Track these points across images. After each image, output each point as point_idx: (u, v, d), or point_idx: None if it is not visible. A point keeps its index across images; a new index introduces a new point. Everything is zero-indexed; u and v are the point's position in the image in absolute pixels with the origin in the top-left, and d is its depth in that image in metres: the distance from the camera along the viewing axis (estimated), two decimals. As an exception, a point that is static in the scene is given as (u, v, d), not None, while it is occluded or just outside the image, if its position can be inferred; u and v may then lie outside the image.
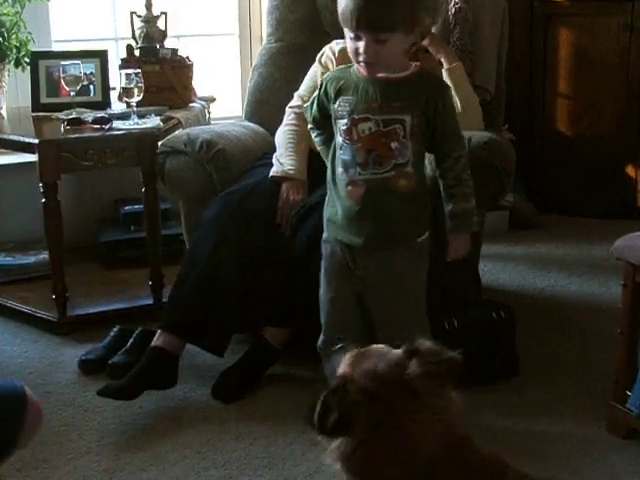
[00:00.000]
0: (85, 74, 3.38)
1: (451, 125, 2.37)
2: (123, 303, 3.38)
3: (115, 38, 4.10)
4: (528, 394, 2.80)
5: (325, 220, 2.45)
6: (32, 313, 3.32)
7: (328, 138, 2.43)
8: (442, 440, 1.60)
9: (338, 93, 2.35)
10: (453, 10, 3.31)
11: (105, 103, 3.55)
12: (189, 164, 3.03)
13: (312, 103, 2.46)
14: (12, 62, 3.61)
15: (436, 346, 1.65)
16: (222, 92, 4.20)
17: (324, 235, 2.47)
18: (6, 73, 3.63)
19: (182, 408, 2.75)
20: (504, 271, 3.89)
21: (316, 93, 2.44)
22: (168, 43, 3.72)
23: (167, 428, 2.63)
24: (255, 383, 2.84)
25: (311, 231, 2.69)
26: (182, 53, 3.69)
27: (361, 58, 2.28)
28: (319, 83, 2.47)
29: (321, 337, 2.52)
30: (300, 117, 2.90)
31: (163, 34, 3.69)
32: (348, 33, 2.29)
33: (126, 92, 3.23)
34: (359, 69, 2.33)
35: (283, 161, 2.88)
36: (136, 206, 3.70)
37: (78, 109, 3.33)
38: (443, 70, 3.05)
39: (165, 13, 3.70)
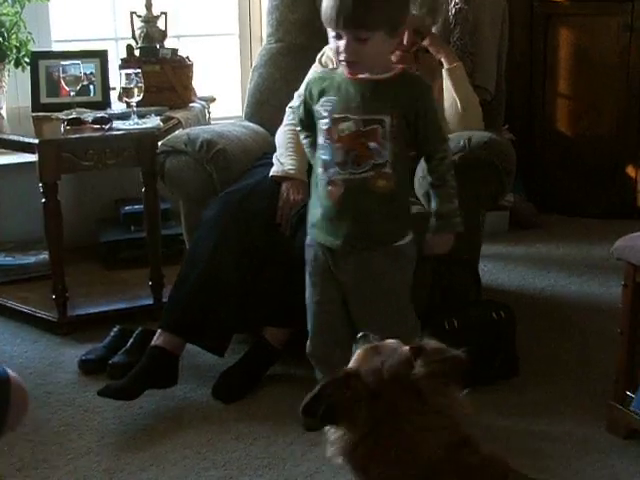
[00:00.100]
0: (85, 74, 3.38)
1: (434, 127, 2.37)
2: (123, 303, 3.38)
3: (115, 38, 4.10)
4: (528, 394, 2.80)
5: (308, 224, 2.46)
6: (32, 313, 3.32)
7: (315, 140, 2.44)
8: (444, 441, 1.60)
9: (321, 94, 2.38)
10: (453, 10, 3.31)
11: (105, 103, 3.55)
12: (189, 164, 3.03)
13: (299, 105, 2.48)
14: (12, 62, 3.61)
15: (441, 345, 1.65)
16: (222, 92, 4.20)
17: (307, 239, 2.48)
18: (6, 73, 3.63)
19: (182, 408, 2.75)
20: (504, 271, 3.89)
21: (303, 95, 2.46)
22: (168, 43, 3.71)
23: (167, 428, 2.63)
24: (255, 383, 2.84)
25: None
26: (182, 53, 3.68)
27: (342, 57, 2.30)
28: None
29: (308, 342, 2.54)
30: (300, 117, 2.91)
31: (163, 34, 3.69)
32: (331, 32, 2.31)
33: (126, 92, 3.23)
34: (343, 71, 2.35)
35: (283, 161, 2.88)
36: (136, 206, 3.70)
37: (78, 109, 3.33)
38: (443, 70, 3.06)
39: (165, 13, 3.70)
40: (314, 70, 3.01)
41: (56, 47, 3.92)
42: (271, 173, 2.89)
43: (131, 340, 2.97)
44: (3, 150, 3.55)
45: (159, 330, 2.76)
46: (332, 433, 1.65)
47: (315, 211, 2.42)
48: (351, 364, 1.68)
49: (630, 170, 4.54)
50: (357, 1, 2.22)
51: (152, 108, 3.42)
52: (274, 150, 2.98)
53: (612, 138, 4.54)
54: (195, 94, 3.75)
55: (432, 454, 1.58)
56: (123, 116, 3.31)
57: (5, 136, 3.32)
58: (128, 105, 3.26)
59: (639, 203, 4.53)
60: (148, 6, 3.66)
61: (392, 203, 2.36)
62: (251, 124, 3.44)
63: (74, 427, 2.64)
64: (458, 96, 3.03)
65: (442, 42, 3.15)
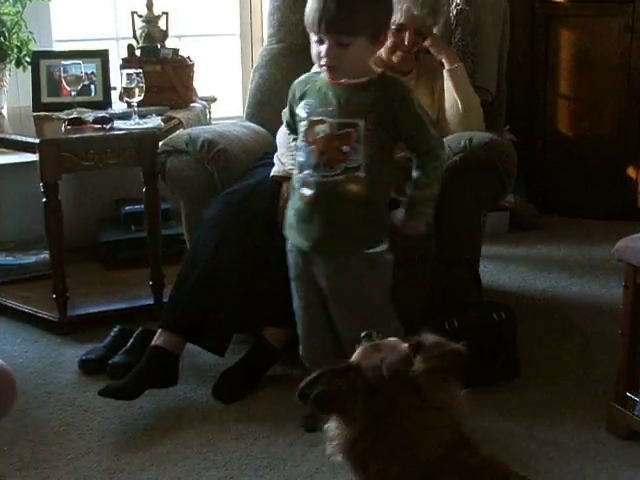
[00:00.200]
0: (86, 74, 3.38)
1: (417, 126, 2.38)
2: (123, 303, 3.38)
3: (116, 38, 4.10)
4: (529, 395, 2.80)
5: (285, 224, 2.50)
6: (33, 313, 3.32)
7: None
8: (445, 439, 1.60)
9: (302, 96, 2.42)
10: (455, 11, 3.32)
11: (106, 103, 3.55)
12: (190, 164, 3.03)
13: (287, 108, 2.51)
14: (13, 62, 3.61)
15: (440, 339, 1.65)
16: (223, 92, 4.20)
17: (288, 244, 2.51)
18: (7, 73, 3.63)
19: (182, 408, 2.74)
20: (505, 272, 3.89)
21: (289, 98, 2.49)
22: (169, 43, 3.71)
23: (168, 428, 2.63)
24: (256, 383, 2.84)
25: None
26: (183, 53, 3.68)
27: (323, 62, 2.32)
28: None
29: (300, 346, 2.57)
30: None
31: (164, 34, 3.69)
32: (313, 37, 2.33)
33: (127, 92, 3.22)
34: (324, 75, 2.37)
35: (284, 161, 2.88)
36: (137, 206, 3.70)
37: (79, 109, 3.33)
38: (444, 71, 3.06)
39: (166, 13, 3.70)
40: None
41: (57, 47, 3.92)
42: (272, 173, 2.89)
43: (131, 340, 2.97)
44: (4, 150, 3.55)
45: (159, 330, 2.76)
46: (331, 429, 1.65)
47: (290, 212, 2.46)
48: (353, 359, 1.69)
49: (631, 171, 4.54)
50: (340, 6, 2.25)
51: (153, 108, 3.42)
52: (275, 150, 2.98)
53: (613, 139, 4.54)
54: (196, 94, 3.74)
55: (432, 452, 1.58)
56: (124, 116, 3.31)
57: (6, 136, 3.32)
58: (129, 105, 3.26)
59: (640, 204, 4.54)
60: (149, 6, 3.66)
61: (366, 207, 2.38)
62: (252, 124, 3.44)
63: (74, 427, 2.64)
64: (459, 97, 3.03)
65: (443, 43, 3.15)
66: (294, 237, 2.46)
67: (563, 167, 4.68)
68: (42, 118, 3.49)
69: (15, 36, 3.57)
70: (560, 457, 2.46)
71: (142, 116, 3.29)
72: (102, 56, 3.57)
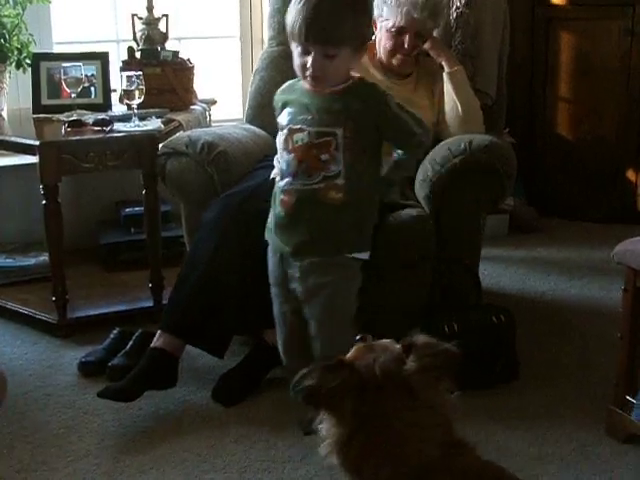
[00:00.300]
0: (86, 76, 3.38)
1: (398, 127, 2.41)
2: (123, 305, 3.38)
3: (116, 40, 4.10)
4: (528, 397, 2.80)
5: (267, 228, 2.51)
6: (32, 315, 3.32)
7: None
8: (437, 440, 1.60)
9: (284, 105, 2.45)
10: (455, 14, 3.32)
11: (106, 105, 3.55)
12: (190, 166, 3.02)
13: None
14: (13, 64, 3.61)
15: (431, 339, 1.66)
16: (223, 95, 4.20)
17: (269, 249, 2.53)
18: (7, 75, 3.63)
19: (182, 411, 2.74)
20: (504, 275, 3.89)
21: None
22: (169, 45, 3.72)
23: (167, 431, 2.63)
24: (256, 386, 2.84)
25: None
26: (183, 55, 3.68)
27: (308, 73, 2.34)
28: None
29: (282, 355, 2.60)
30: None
31: (164, 36, 3.69)
32: (296, 48, 2.34)
33: (127, 94, 3.23)
34: (305, 85, 2.39)
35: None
36: (136, 208, 3.70)
37: (79, 111, 3.33)
38: (444, 74, 3.06)
39: (166, 15, 3.70)
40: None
41: (57, 49, 3.92)
42: (272, 175, 2.88)
43: (131, 342, 2.97)
44: (4, 152, 3.55)
45: (159, 331, 2.76)
46: (324, 428, 1.65)
47: (271, 218, 2.49)
48: (347, 357, 1.70)
49: (631, 174, 4.54)
50: (328, 18, 2.27)
51: (153, 110, 3.42)
52: (275, 152, 2.96)
53: (613, 142, 4.54)
54: (196, 96, 3.75)
55: (425, 453, 1.58)
56: (124, 118, 3.31)
57: (6, 138, 3.32)
58: (129, 107, 3.26)
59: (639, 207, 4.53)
60: (149, 8, 3.66)
61: (348, 213, 2.39)
62: (252, 127, 3.44)
63: (74, 429, 2.64)
64: (459, 100, 3.04)
65: (443, 46, 3.16)
66: (274, 242, 2.49)
67: (563, 170, 4.68)
68: (42, 120, 3.49)
69: (15, 38, 3.57)
70: (559, 460, 2.46)
71: (142, 118, 3.29)
72: (102, 58, 3.57)
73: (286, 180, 2.41)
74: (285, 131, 2.41)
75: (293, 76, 2.50)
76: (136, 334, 3.00)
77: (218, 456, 2.50)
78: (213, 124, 3.76)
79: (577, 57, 4.56)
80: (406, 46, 3.01)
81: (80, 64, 3.30)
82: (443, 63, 3.07)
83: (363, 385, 1.61)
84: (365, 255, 2.47)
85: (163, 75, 3.56)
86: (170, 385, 2.75)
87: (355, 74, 2.43)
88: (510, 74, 3.58)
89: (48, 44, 3.89)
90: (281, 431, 2.60)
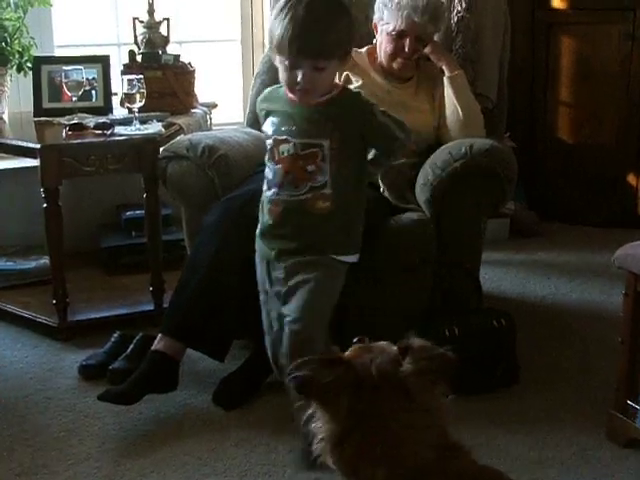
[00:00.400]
0: (87, 79, 3.38)
1: (384, 134, 2.42)
2: (124, 309, 3.38)
3: (117, 44, 4.10)
4: (528, 401, 2.80)
5: (256, 234, 2.52)
6: (33, 318, 3.32)
7: None
8: (433, 442, 1.59)
9: (267, 114, 2.45)
10: (455, 18, 3.32)
11: (107, 109, 3.55)
12: (191, 169, 3.03)
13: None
14: (14, 67, 3.61)
15: (427, 343, 1.66)
16: (224, 98, 4.20)
17: (256, 256, 2.54)
18: (8, 78, 3.63)
19: (183, 414, 2.74)
20: (505, 279, 3.89)
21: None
22: (170, 49, 3.72)
23: (168, 434, 2.63)
24: (256, 390, 2.84)
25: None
26: (184, 59, 3.69)
27: (299, 86, 2.32)
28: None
29: (270, 361, 2.59)
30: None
31: (165, 40, 3.70)
32: (282, 62, 2.33)
33: (128, 98, 3.23)
34: (288, 95, 2.38)
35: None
36: (137, 212, 3.70)
37: (80, 114, 3.33)
38: (445, 78, 3.06)
39: (167, 19, 3.71)
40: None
41: (58, 52, 3.93)
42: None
43: (131, 346, 2.97)
44: (5, 155, 3.55)
45: (160, 335, 2.76)
46: (316, 425, 1.65)
47: (259, 226, 2.50)
48: (345, 354, 1.71)
49: (631, 178, 4.54)
50: (315, 30, 2.27)
51: (154, 114, 3.42)
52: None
53: (613, 146, 4.55)
54: (197, 100, 3.75)
55: (421, 455, 1.58)
56: (125, 122, 3.31)
57: (7, 141, 3.33)
58: (130, 111, 3.26)
59: (640, 211, 4.54)
60: (150, 12, 3.67)
61: (335, 221, 2.40)
62: (253, 130, 3.44)
63: (74, 433, 2.64)
64: (459, 104, 3.04)
65: (444, 50, 3.16)
66: (261, 249, 2.50)
67: (563, 174, 4.68)
68: (43, 123, 3.49)
69: (17, 41, 3.57)
70: (559, 464, 2.46)
71: (143, 122, 3.29)
72: (103, 62, 3.58)
73: (273, 190, 2.42)
74: (270, 141, 2.42)
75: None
76: (137, 337, 2.99)
77: (219, 460, 2.49)
78: (214, 128, 3.76)
79: (578, 61, 4.57)
80: (407, 50, 3.02)
81: (81, 67, 3.31)
82: (444, 67, 3.08)
83: (359, 383, 1.61)
84: (353, 258, 2.47)
85: (164, 78, 3.56)
86: (170, 389, 2.74)
87: (338, 83, 2.43)
88: (511, 78, 3.58)
89: (49, 47, 3.89)
90: (282, 435, 2.60)
